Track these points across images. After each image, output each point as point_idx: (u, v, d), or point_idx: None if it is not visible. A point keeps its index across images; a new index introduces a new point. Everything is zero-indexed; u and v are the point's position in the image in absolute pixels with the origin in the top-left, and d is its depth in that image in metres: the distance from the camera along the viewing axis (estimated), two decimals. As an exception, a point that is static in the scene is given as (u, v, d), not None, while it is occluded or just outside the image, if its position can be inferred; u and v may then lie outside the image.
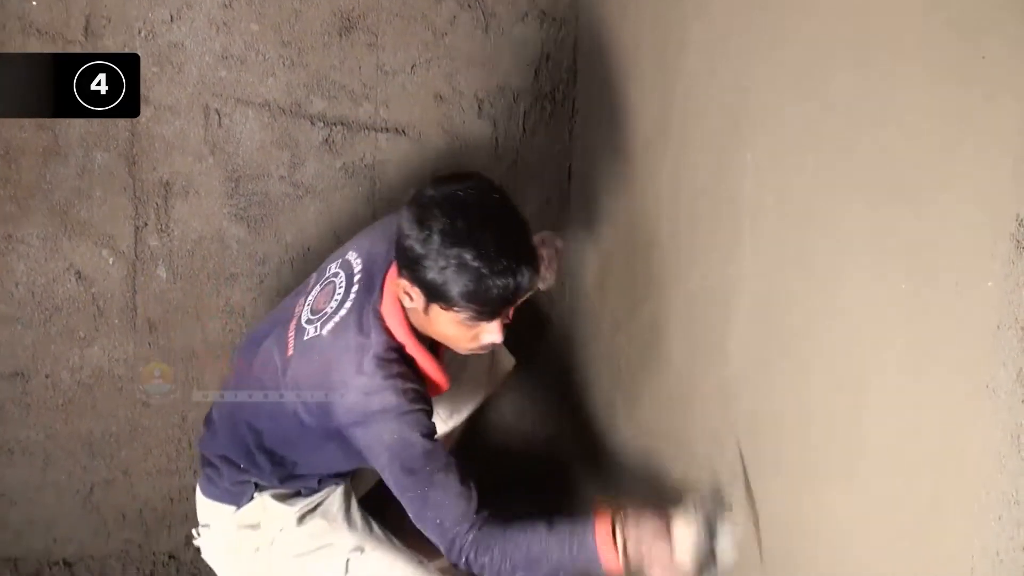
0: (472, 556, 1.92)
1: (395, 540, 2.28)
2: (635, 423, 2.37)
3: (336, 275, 2.18)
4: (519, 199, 2.72)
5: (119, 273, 2.64)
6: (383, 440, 1.99)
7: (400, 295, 2.01)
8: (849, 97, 1.33)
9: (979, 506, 1.08)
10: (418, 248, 1.89)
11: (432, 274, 1.88)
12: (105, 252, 2.61)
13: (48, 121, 2.49)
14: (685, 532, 1.83)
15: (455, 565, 1.97)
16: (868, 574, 1.33)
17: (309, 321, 2.12)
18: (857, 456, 1.35)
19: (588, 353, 2.78)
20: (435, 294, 1.91)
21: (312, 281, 2.26)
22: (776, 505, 1.61)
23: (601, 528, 1.90)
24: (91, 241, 2.60)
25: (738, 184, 1.70)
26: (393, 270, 2.08)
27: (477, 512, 1.95)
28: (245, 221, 2.67)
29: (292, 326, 2.17)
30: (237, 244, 2.68)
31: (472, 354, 2.17)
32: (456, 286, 1.88)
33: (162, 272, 2.66)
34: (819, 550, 1.48)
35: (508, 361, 2.56)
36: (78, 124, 2.51)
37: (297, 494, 2.30)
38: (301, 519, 2.27)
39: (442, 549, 1.97)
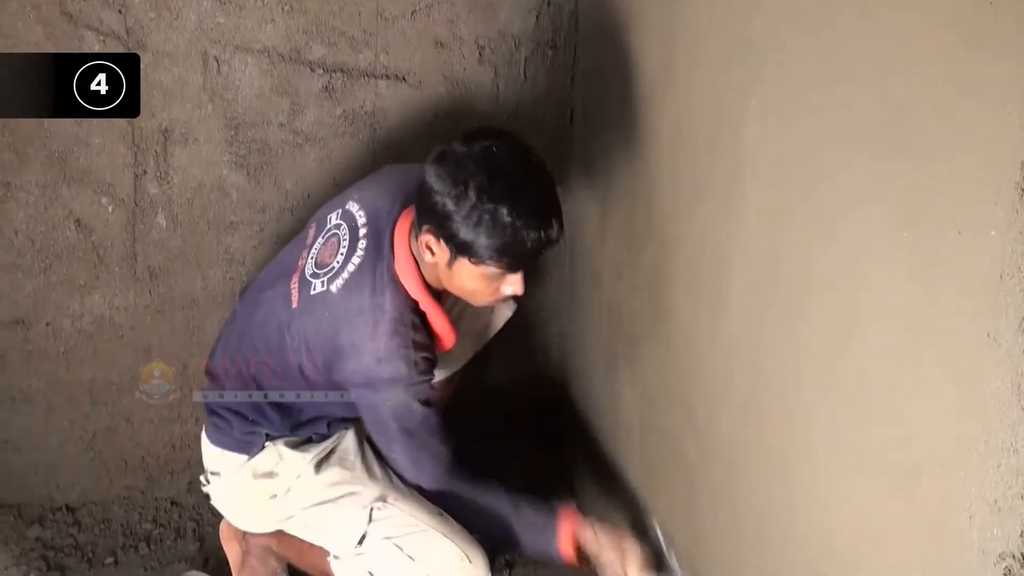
0: (428, 490, 2.21)
1: (414, 491, 2.29)
2: (634, 372, 2.38)
3: (339, 227, 2.18)
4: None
5: (119, 221, 2.63)
6: (385, 405, 2.09)
7: (420, 250, 2.04)
8: (853, 45, 1.32)
9: (978, 455, 1.09)
10: (450, 204, 1.93)
11: (465, 229, 1.94)
12: (104, 200, 2.61)
13: (48, 70, 2.47)
14: (635, 549, 2.12)
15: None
16: (865, 523, 1.34)
17: (315, 275, 2.13)
18: (855, 405, 1.35)
19: (589, 301, 2.78)
20: (465, 249, 1.96)
21: (312, 232, 2.26)
22: (775, 454, 1.62)
23: (566, 524, 2.18)
24: (90, 189, 2.59)
25: (741, 132, 1.69)
26: (402, 226, 2.11)
27: (447, 472, 2.19)
28: (245, 169, 2.66)
29: (296, 279, 2.18)
30: (237, 192, 2.67)
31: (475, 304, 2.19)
32: (490, 241, 1.94)
33: (162, 220, 2.66)
34: (816, 499, 1.49)
35: (508, 308, 2.57)
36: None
37: (308, 440, 2.32)
38: (318, 466, 2.28)
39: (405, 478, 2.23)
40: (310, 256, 2.19)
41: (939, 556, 1.17)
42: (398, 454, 2.18)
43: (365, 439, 2.36)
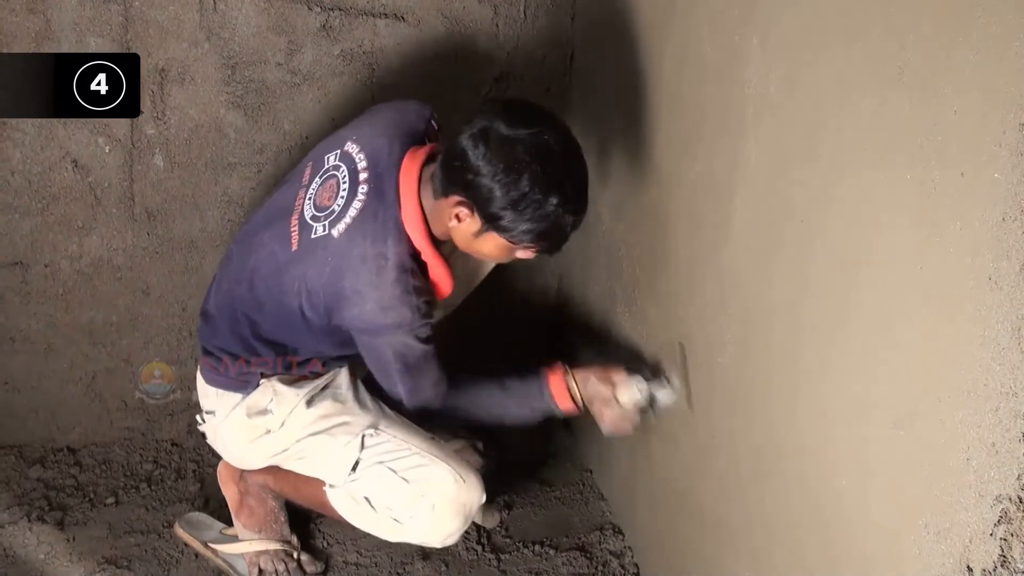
0: (436, 413, 2.29)
1: (405, 419, 2.33)
2: (633, 313, 2.37)
3: (337, 168, 2.17)
4: (519, 87, 2.69)
5: (116, 162, 2.61)
6: (389, 348, 2.14)
7: (443, 214, 2.08)
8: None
9: (976, 397, 1.09)
10: (498, 189, 1.96)
11: (512, 214, 1.99)
12: (101, 140, 2.58)
13: (40, 5, 2.43)
14: (625, 379, 2.24)
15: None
16: (864, 462, 1.34)
17: (315, 218, 2.14)
18: (856, 345, 1.35)
19: (588, 243, 2.77)
20: (505, 229, 2.02)
21: (309, 171, 2.25)
22: (775, 392, 1.62)
23: (553, 378, 2.31)
24: (87, 129, 2.57)
25: (744, 69, 1.67)
26: (408, 172, 2.12)
27: (445, 393, 2.27)
28: (242, 109, 2.64)
29: (295, 220, 2.17)
30: (235, 132, 2.65)
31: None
32: (534, 226, 2.01)
33: (159, 161, 2.64)
34: (813, 437, 1.49)
35: None
36: (70, 9, 2.46)
37: (303, 378, 2.34)
38: (310, 401, 2.30)
39: (406, 406, 2.28)
40: (307, 197, 2.19)
41: (936, 497, 1.17)
42: (399, 387, 2.22)
43: (358, 375, 2.39)
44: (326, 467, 2.31)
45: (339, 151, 2.20)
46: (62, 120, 2.54)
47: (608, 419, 2.28)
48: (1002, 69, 1.02)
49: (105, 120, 2.56)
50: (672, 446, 2.17)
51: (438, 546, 2.32)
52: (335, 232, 2.09)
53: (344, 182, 2.14)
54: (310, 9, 2.59)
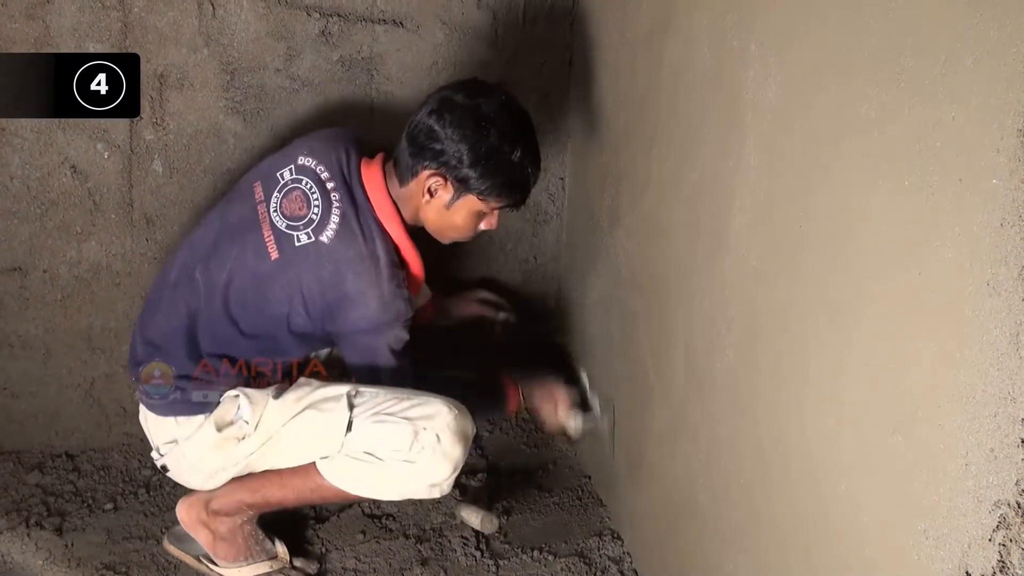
0: None
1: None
2: (633, 317, 2.37)
3: (299, 180, 2.26)
4: (518, 92, 2.69)
5: (115, 167, 2.61)
6: (386, 343, 2.28)
7: (420, 193, 2.28)
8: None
9: (975, 403, 1.09)
10: (466, 148, 2.21)
11: (483, 170, 2.22)
12: (100, 146, 2.59)
13: (39, 11, 2.44)
14: (567, 408, 2.66)
15: None
16: (862, 468, 1.34)
17: (291, 227, 2.22)
18: (854, 349, 1.35)
19: (586, 249, 2.77)
20: (478, 187, 2.25)
21: (259, 188, 2.30)
22: (771, 397, 1.62)
23: (511, 389, 2.63)
24: (86, 135, 2.57)
25: (742, 75, 1.68)
26: (370, 176, 2.29)
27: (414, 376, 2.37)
28: (241, 115, 2.64)
29: (266, 231, 2.24)
30: (233, 138, 2.65)
31: None
32: (505, 178, 2.26)
33: (158, 166, 2.64)
34: (812, 443, 1.49)
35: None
36: (69, 15, 2.46)
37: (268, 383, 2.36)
38: (278, 394, 2.30)
39: None
40: (271, 210, 2.25)
41: (935, 502, 1.17)
42: (382, 378, 2.33)
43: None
44: (317, 441, 2.28)
45: (292, 166, 2.29)
46: (61, 125, 2.54)
47: (548, 426, 2.70)
48: (1000, 75, 1.02)
49: (104, 126, 2.56)
50: (671, 452, 2.16)
51: (444, 487, 2.29)
52: (324, 238, 2.21)
53: (313, 192, 2.24)
54: (309, 15, 2.60)
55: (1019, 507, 1.03)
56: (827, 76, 1.40)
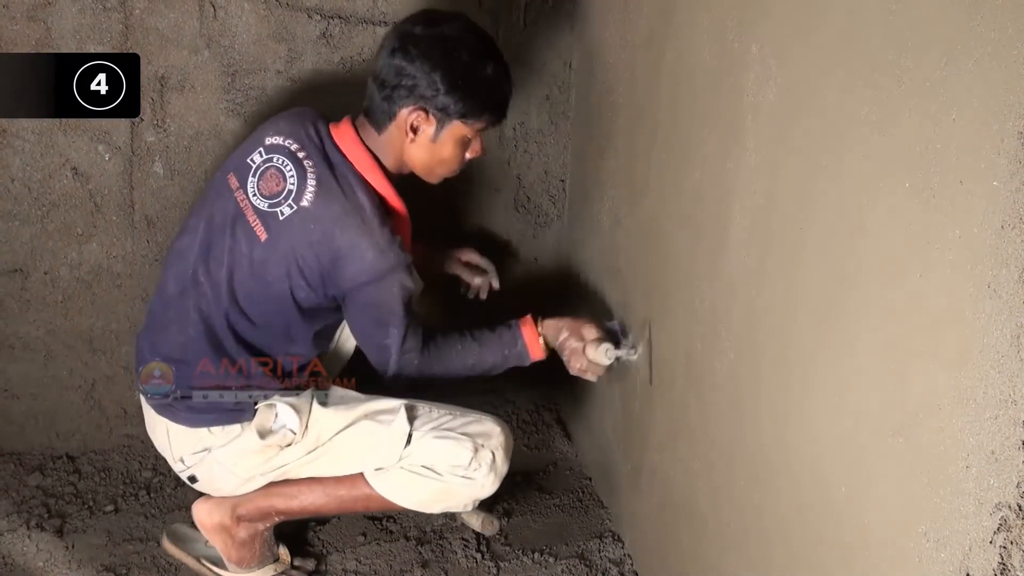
0: (414, 372, 2.33)
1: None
2: (633, 320, 2.37)
3: (270, 159, 2.23)
4: (519, 94, 2.70)
5: (116, 169, 2.61)
6: (393, 293, 2.23)
7: (402, 134, 2.24)
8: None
9: (976, 405, 1.09)
10: (440, 74, 2.16)
11: (461, 91, 2.18)
12: (101, 148, 2.59)
13: (40, 12, 2.44)
14: (596, 340, 2.38)
15: (395, 377, 2.34)
16: (862, 470, 1.34)
17: (273, 204, 2.19)
18: (853, 350, 1.35)
19: (587, 251, 2.77)
20: (458, 109, 2.20)
21: (233, 178, 2.26)
22: (771, 399, 1.62)
23: (526, 328, 2.43)
24: (87, 136, 2.57)
25: (742, 77, 1.68)
26: (342, 135, 2.26)
27: (423, 335, 2.33)
28: (242, 116, 2.64)
29: (251, 216, 2.21)
30: (234, 140, 2.65)
31: None
32: (482, 94, 2.21)
33: (159, 168, 2.64)
34: (813, 445, 1.49)
35: None
36: (70, 16, 2.46)
37: (298, 387, 2.33)
38: (325, 400, 2.32)
39: (388, 369, 2.32)
40: (249, 195, 2.22)
41: (936, 505, 1.17)
42: (393, 337, 2.28)
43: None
44: (373, 452, 2.29)
45: (261, 148, 2.26)
46: (62, 127, 2.54)
47: (576, 367, 2.43)
48: (1001, 76, 1.02)
49: (105, 127, 2.56)
50: (672, 453, 2.16)
51: (489, 494, 2.35)
52: (305, 203, 2.17)
53: (286, 166, 2.21)
54: (310, 17, 2.60)
55: (1020, 509, 1.03)
56: (828, 78, 1.40)
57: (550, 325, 2.44)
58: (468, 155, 2.32)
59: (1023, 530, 1.03)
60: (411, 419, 2.28)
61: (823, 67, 1.41)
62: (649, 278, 2.25)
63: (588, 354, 2.38)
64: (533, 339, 2.43)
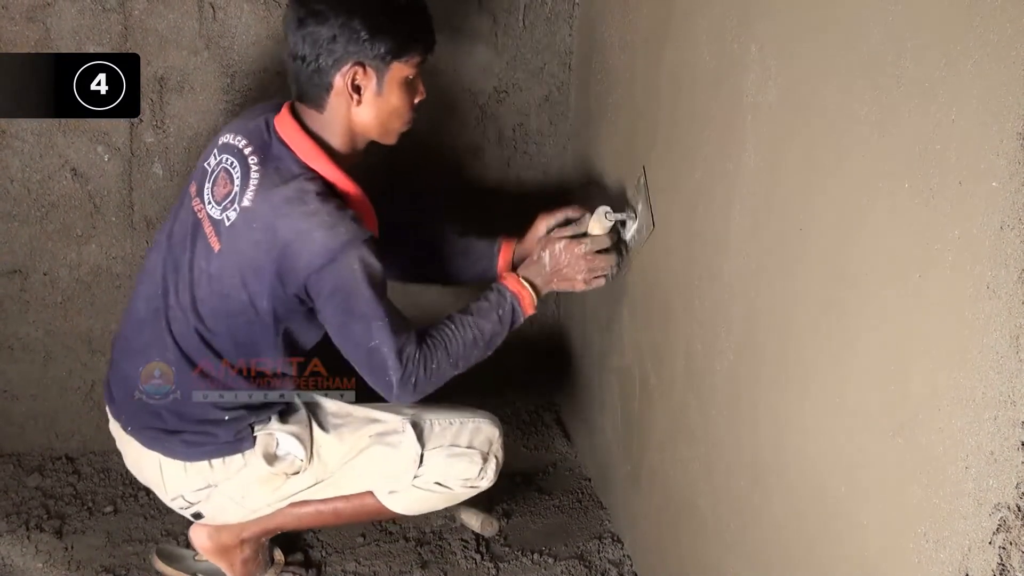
0: (422, 372, 2.12)
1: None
2: (633, 321, 2.37)
3: (221, 161, 2.13)
4: (519, 95, 2.69)
5: (115, 170, 2.61)
6: (354, 270, 2.02)
7: (345, 101, 2.09)
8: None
9: (975, 406, 1.09)
10: (358, 20, 2.02)
11: (385, 29, 2.03)
12: (100, 148, 2.59)
13: (39, 13, 2.44)
14: (591, 214, 2.27)
15: (400, 393, 2.13)
16: (860, 471, 1.34)
17: (223, 211, 2.08)
18: (853, 352, 1.35)
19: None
20: (392, 49, 2.06)
21: (193, 188, 2.18)
22: (771, 399, 1.62)
23: (507, 281, 2.26)
24: (86, 137, 2.57)
25: (742, 78, 1.68)
26: (284, 125, 2.12)
27: (415, 331, 2.13)
28: (241, 117, 2.64)
29: (207, 227, 2.11)
30: (234, 141, 2.65)
31: None
32: (404, 23, 2.08)
33: (158, 169, 2.64)
34: (812, 445, 1.49)
35: None
36: (70, 17, 2.47)
37: (292, 411, 2.28)
38: (327, 426, 2.28)
39: (393, 378, 2.09)
40: (205, 203, 2.12)
41: (935, 505, 1.17)
42: (379, 333, 2.07)
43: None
44: (386, 475, 2.28)
45: (215, 149, 2.17)
46: (61, 128, 2.54)
47: (581, 270, 2.27)
48: (1000, 78, 1.02)
49: (104, 128, 2.56)
50: (671, 454, 2.16)
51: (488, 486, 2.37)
52: (247, 202, 2.04)
53: (233, 167, 2.10)
54: (309, 18, 2.59)
55: (1019, 510, 1.03)
56: (827, 79, 1.39)
57: (524, 265, 2.31)
58: (416, 99, 2.18)
59: (1022, 531, 1.03)
60: (423, 437, 2.28)
61: (823, 67, 1.41)
62: (649, 277, 2.25)
63: (592, 228, 2.26)
64: (517, 285, 2.25)
